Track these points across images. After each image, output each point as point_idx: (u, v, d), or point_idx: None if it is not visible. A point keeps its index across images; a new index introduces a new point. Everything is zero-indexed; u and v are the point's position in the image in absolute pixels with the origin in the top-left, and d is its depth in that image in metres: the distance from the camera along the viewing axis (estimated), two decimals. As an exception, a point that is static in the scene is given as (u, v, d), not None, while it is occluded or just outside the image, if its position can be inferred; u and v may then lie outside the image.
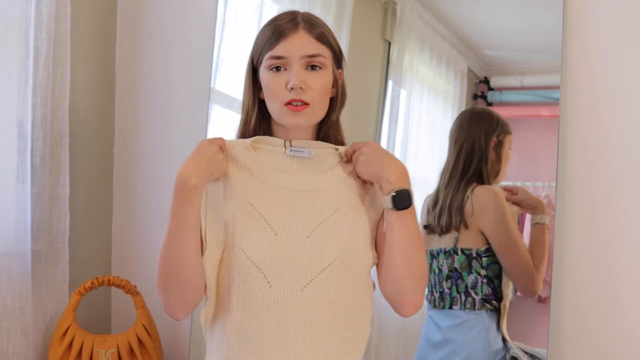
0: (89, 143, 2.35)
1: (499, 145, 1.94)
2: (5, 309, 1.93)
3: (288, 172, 1.39)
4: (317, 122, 1.42)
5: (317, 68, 1.37)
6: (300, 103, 1.36)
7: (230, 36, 2.25)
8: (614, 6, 1.81)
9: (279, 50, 1.36)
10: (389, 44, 2.15)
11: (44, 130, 2.03)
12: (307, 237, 1.34)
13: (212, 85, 2.23)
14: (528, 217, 1.92)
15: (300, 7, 2.14)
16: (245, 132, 1.44)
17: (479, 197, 1.91)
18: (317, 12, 2.15)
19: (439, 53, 2.11)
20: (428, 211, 2.00)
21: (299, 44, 1.36)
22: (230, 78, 2.24)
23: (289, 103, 1.36)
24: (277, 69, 1.37)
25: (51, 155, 2.07)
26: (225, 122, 2.26)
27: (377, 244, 1.42)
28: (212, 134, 2.22)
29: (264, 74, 1.39)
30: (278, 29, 1.37)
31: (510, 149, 1.94)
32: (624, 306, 1.79)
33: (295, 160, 1.40)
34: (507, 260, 1.89)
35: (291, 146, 1.40)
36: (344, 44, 2.12)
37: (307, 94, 1.36)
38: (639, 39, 1.78)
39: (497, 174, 1.94)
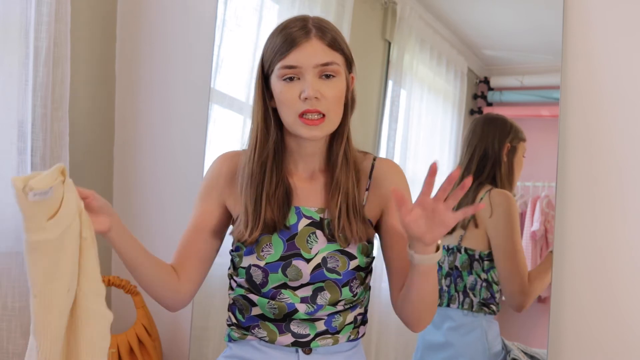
0: (89, 143, 2.35)
1: (512, 151, 1.93)
2: (5, 309, 1.93)
3: None
4: (332, 131, 1.39)
5: (331, 76, 1.34)
6: (316, 115, 1.33)
7: (230, 36, 2.25)
8: (614, 6, 1.81)
9: (291, 59, 1.33)
10: (389, 44, 2.14)
11: (44, 130, 2.03)
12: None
13: (212, 85, 2.23)
14: (528, 217, 1.92)
15: (300, 8, 2.14)
16: (257, 142, 1.40)
17: (496, 199, 1.91)
18: (317, 12, 2.15)
19: (439, 53, 2.11)
20: None
21: (312, 53, 1.32)
22: (230, 78, 2.24)
23: (303, 115, 1.33)
24: (290, 79, 1.34)
25: (51, 155, 2.07)
26: (225, 122, 2.26)
27: (389, 249, 1.46)
28: (212, 134, 2.22)
29: (276, 84, 1.36)
30: (289, 37, 1.34)
31: (523, 156, 1.93)
32: (624, 306, 1.78)
33: None
34: (504, 266, 1.89)
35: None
36: (344, 44, 2.12)
37: (322, 104, 1.33)
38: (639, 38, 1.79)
39: (511, 180, 1.93)
